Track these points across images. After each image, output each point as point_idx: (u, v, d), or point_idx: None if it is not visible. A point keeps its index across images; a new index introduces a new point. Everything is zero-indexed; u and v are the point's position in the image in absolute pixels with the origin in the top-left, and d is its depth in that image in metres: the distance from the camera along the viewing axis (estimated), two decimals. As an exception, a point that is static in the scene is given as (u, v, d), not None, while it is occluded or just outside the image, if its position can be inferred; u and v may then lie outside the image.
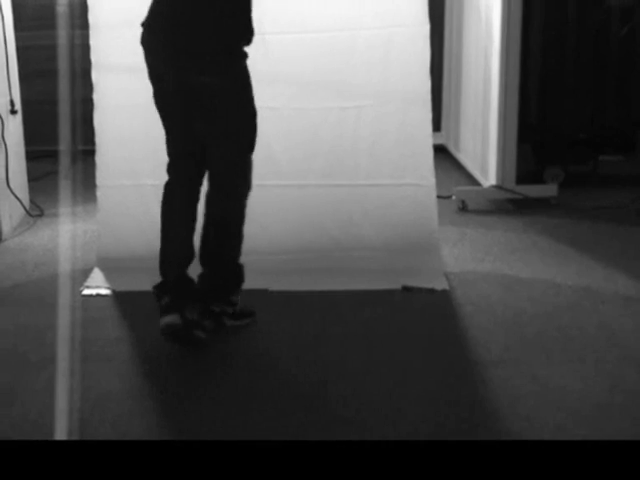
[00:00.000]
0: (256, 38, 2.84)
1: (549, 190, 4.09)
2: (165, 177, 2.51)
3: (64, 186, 4.12)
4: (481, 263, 3.27)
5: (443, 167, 4.53)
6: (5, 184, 3.68)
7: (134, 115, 3.06)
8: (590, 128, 4.26)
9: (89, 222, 3.70)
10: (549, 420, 2.09)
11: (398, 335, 2.63)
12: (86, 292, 3.00)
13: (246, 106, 2.40)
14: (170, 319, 2.40)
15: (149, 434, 2.08)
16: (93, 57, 3.11)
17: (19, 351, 2.54)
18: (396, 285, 2.98)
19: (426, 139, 3.13)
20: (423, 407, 2.17)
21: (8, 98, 3.74)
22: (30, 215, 3.94)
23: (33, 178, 4.19)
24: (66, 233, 3.75)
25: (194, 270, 2.54)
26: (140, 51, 2.42)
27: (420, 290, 2.95)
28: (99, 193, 3.21)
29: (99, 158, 3.19)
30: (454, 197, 4.07)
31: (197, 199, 2.49)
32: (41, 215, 3.97)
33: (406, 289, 2.97)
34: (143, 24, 2.36)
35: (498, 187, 4.02)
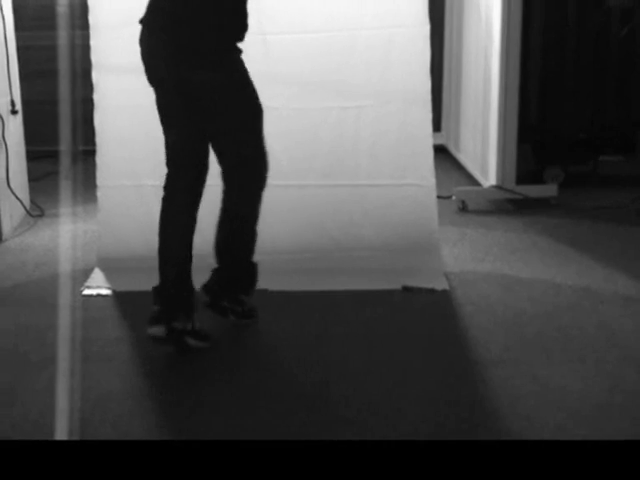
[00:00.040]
0: (256, 38, 2.84)
1: (549, 190, 4.09)
2: (163, 177, 2.50)
3: (65, 186, 4.12)
4: (481, 263, 3.28)
5: (443, 167, 4.54)
6: (6, 184, 3.68)
7: (135, 115, 3.06)
8: (590, 128, 4.26)
9: (89, 222, 3.71)
10: (549, 420, 2.10)
11: (398, 335, 2.63)
12: (86, 292, 3.00)
13: (249, 99, 2.39)
14: (154, 331, 2.42)
15: (149, 434, 2.08)
16: (93, 57, 3.11)
17: (20, 351, 2.54)
18: (396, 285, 2.98)
19: (426, 139, 3.14)
20: (423, 407, 2.17)
21: (9, 98, 3.75)
22: (31, 215, 3.94)
23: (34, 178, 4.19)
24: (66, 233, 3.75)
25: (196, 272, 2.54)
26: (139, 51, 2.41)
27: (420, 290, 2.95)
28: (99, 193, 3.21)
29: (99, 158, 3.19)
30: (454, 197, 4.07)
31: (197, 205, 2.47)
32: (41, 215, 3.97)
33: (406, 289, 2.97)
34: (141, 21, 2.36)
35: (498, 187, 4.02)
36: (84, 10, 3.10)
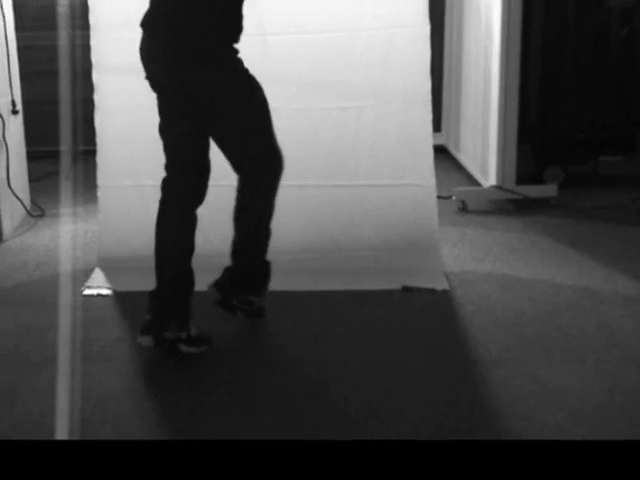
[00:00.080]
0: (256, 39, 2.85)
1: (549, 190, 4.09)
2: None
3: (65, 186, 4.13)
4: (481, 263, 3.28)
5: (443, 167, 4.54)
6: (6, 184, 3.68)
7: (135, 116, 3.06)
8: (590, 129, 4.26)
9: (90, 222, 3.71)
10: (549, 420, 2.10)
11: (398, 335, 2.63)
12: (87, 292, 3.00)
13: (251, 97, 2.38)
14: (142, 340, 2.43)
15: (150, 434, 2.08)
16: (94, 58, 3.11)
17: (20, 351, 2.54)
18: (396, 285, 2.98)
19: (426, 139, 3.14)
20: (423, 407, 2.18)
21: (9, 98, 3.75)
22: (31, 215, 3.94)
23: (34, 178, 4.20)
24: (67, 233, 3.75)
25: (198, 272, 2.53)
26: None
27: (420, 290, 2.96)
28: (100, 193, 3.22)
29: (100, 158, 3.19)
30: (454, 197, 4.07)
31: (196, 207, 2.46)
32: (42, 215, 3.97)
33: (406, 289, 2.97)
34: (142, 25, 2.36)
35: (498, 187, 4.02)
36: (84, 10, 3.11)
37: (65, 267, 3.27)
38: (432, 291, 2.95)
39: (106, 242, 3.22)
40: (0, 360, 2.49)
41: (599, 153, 4.40)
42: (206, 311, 2.60)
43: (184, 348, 2.44)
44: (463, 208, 4.02)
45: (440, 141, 4.85)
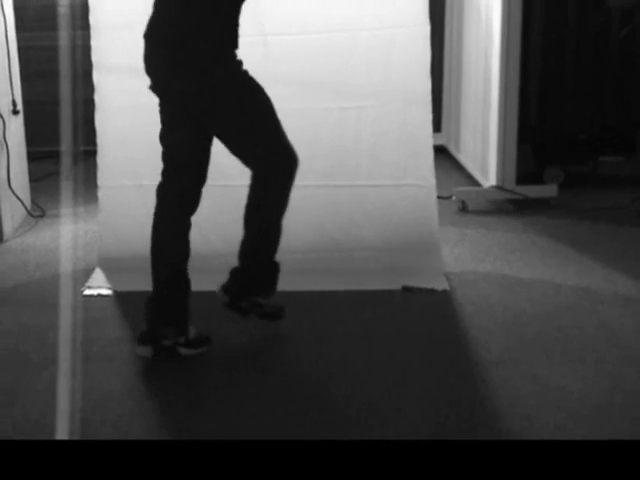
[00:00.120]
0: (257, 39, 2.85)
1: (549, 191, 4.09)
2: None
3: (65, 187, 4.13)
4: (481, 263, 3.28)
5: (443, 168, 4.54)
6: (7, 185, 3.68)
7: (135, 116, 3.06)
8: (590, 129, 4.26)
9: (90, 222, 3.71)
10: (549, 420, 2.10)
11: (398, 335, 2.63)
12: (87, 292, 3.00)
13: (253, 98, 2.37)
14: (140, 351, 2.44)
15: (150, 434, 2.08)
16: (94, 58, 3.11)
17: (21, 351, 2.55)
18: (396, 285, 2.99)
19: (426, 140, 3.14)
20: (423, 407, 2.18)
21: (10, 98, 3.75)
22: (32, 216, 3.94)
23: (35, 179, 4.20)
24: (67, 233, 3.75)
25: (199, 273, 2.53)
26: (140, 52, 2.41)
27: (420, 290, 2.96)
28: (100, 194, 3.22)
29: (100, 159, 3.19)
30: (454, 197, 4.07)
31: (193, 210, 2.45)
32: (42, 216, 3.98)
33: (406, 289, 2.97)
34: (145, 36, 2.36)
35: (498, 188, 4.03)
36: (85, 11, 3.11)
37: (65, 267, 3.28)
38: (432, 291, 2.96)
39: (106, 242, 3.22)
40: (0, 360, 2.49)
41: (599, 153, 4.40)
42: (206, 312, 2.60)
43: (183, 351, 2.45)
44: (463, 208, 4.02)
45: (440, 141, 4.85)
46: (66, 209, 3.99)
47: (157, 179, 2.49)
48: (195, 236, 2.50)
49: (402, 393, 2.26)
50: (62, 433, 2.01)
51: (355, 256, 3.16)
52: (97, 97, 3.14)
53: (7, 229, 3.67)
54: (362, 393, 2.26)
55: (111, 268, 3.15)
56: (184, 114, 2.37)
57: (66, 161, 3.57)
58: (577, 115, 4.22)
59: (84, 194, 3.65)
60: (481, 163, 4.30)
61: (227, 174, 3.01)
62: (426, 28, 3.05)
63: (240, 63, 2.36)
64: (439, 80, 5.01)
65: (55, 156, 4.15)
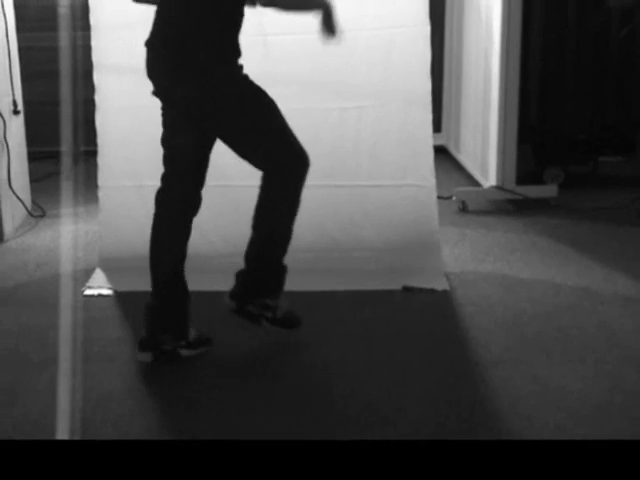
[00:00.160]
0: (257, 39, 2.84)
1: (549, 191, 4.10)
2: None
3: (66, 187, 4.13)
4: (481, 263, 3.28)
5: (443, 168, 4.54)
6: (7, 185, 3.69)
7: (136, 116, 3.07)
8: (590, 129, 4.26)
9: (91, 223, 3.71)
10: (549, 420, 2.10)
11: (398, 335, 2.63)
12: (88, 292, 3.01)
13: (254, 100, 2.35)
14: (141, 357, 2.44)
15: (150, 434, 2.09)
16: (95, 58, 3.12)
17: (21, 351, 2.55)
18: (396, 285, 2.99)
19: (427, 140, 3.14)
20: (423, 407, 2.18)
21: (11, 98, 3.75)
22: (32, 216, 3.94)
23: (35, 179, 4.20)
24: (68, 234, 3.76)
25: (200, 273, 2.53)
26: (140, 52, 2.42)
27: (420, 290, 2.96)
28: (101, 194, 3.22)
29: (101, 159, 3.20)
30: (454, 198, 4.07)
31: (193, 213, 2.44)
32: (43, 216, 3.98)
33: (406, 289, 2.97)
34: (146, 44, 2.36)
35: (498, 188, 4.03)
36: (85, 11, 3.11)
37: (66, 267, 3.28)
38: (432, 291, 2.96)
39: (107, 242, 3.22)
40: (1, 360, 2.50)
41: (599, 153, 4.40)
42: (205, 311, 2.60)
43: (184, 352, 2.45)
44: (463, 208, 4.03)
45: (440, 141, 4.85)
46: (66, 209, 3.99)
47: (157, 180, 2.49)
48: (196, 236, 2.50)
49: (402, 393, 2.26)
50: (62, 433, 2.01)
51: (355, 256, 3.17)
52: (97, 97, 3.15)
53: (7, 229, 3.67)
54: (362, 393, 2.26)
55: (111, 268, 3.15)
56: (186, 118, 2.36)
57: (66, 161, 3.57)
58: (577, 115, 4.22)
59: (84, 194, 3.65)
60: (481, 163, 4.30)
61: (227, 175, 3.02)
62: (426, 28, 3.05)
63: (241, 68, 2.36)
64: (439, 80, 5.01)
65: (55, 156, 4.14)
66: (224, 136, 2.38)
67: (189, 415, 2.17)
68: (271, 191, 2.40)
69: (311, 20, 3.08)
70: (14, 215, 3.76)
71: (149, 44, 2.34)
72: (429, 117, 3.12)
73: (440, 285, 3.00)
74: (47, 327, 2.63)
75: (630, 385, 2.28)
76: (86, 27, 3.11)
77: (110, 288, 3.03)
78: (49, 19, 4.14)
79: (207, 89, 2.28)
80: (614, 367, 2.38)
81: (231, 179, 3.09)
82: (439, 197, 3.36)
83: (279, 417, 2.15)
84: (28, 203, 3.99)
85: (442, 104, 5.15)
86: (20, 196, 3.82)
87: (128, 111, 3.10)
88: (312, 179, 3.21)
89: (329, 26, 2.29)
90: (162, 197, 2.45)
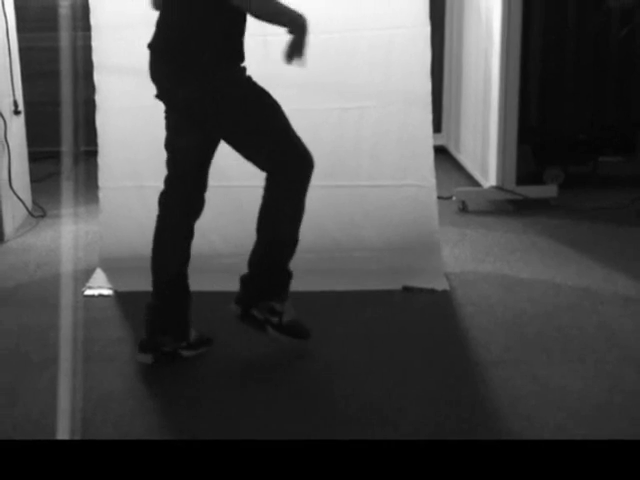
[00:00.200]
0: (257, 39, 2.84)
1: (549, 191, 4.10)
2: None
3: (66, 187, 4.13)
4: (481, 264, 3.28)
5: (443, 168, 4.54)
6: (8, 185, 3.69)
7: (136, 117, 3.07)
8: (590, 129, 4.26)
9: (91, 223, 3.72)
10: (549, 420, 2.10)
11: (399, 335, 2.64)
12: (88, 292, 3.01)
13: (257, 102, 2.34)
14: (141, 358, 2.44)
15: (151, 434, 2.09)
16: (95, 58, 3.12)
17: (21, 351, 2.55)
18: (397, 285, 2.99)
19: (427, 140, 3.14)
20: (423, 407, 2.18)
21: (11, 99, 3.76)
22: (32, 216, 3.95)
23: (35, 179, 4.20)
24: (68, 234, 3.76)
25: (202, 273, 2.52)
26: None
27: (421, 290, 2.96)
28: (101, 194, 3.22)
29: (101, 159, 3.20)
30: (454, 198, 4.08)
31: (196, 216, 2.44)
32: (43, 216, 3.98)
33: (407, 289, 2.98)
34: (149, 46, 2.36)
35: (498, 188, 4.03)
36: (86, 11, 3.11)
37: (66, 267, 3.28)
38: (432, 291, 2.96)
39: (107, 242, 3.23)
40: (1, 360, 2.50)
41: (599, 154, 4.41)
42: (206, 312, 2.61)
43: (184, 353, 2.45)
44: (463, 208, 4.03)
45: (440, 142, 4.85)
46: (67, 209, 4.00)
47: (158, 180, 2.49)
48: (197, 237, 2.50)
49: (402, 393, 2.26)
50: (63, 433, 2.01)
51: (355, 256, 3.17)
52: (98, 98, 3.15)
53: (8, 229, 3.67)
54: (362, 393, 2.26)
55: (112, 268, 3.16)
56: (188, 120, 2.36)
57: (67, 161, 3.57)
58: (577, 115, 4.22)
59: (85, 194, 3.65)
60: (481, 163, 4.31)
61: (228, 176, 3.02)
62: (426, 29, 3.05)
63: (244, 70, 2.36)
64: (439, 81, 5.01)
65: (56, 156, 4.14)
66: (228, 138, 2.38)
67: (189, 415, 2.17)
68: (275, 192, 2.37)
69: (312, 20, 3.09)
70: (15, 215, 3.77)
71: (152, 46, 2.34)
72: (429, 117, 3.12)
73: (440, 285, 3.01)
74: (47, 327, 2.63)
75: (630, 385, 2.29)
76: (87, 27, 3.12)
77: (110, 288, 3.03)
78: (50, 19, 4.14)
79: (209, 91, 2.28)
80: (614, 367, 2.38)
81: (232, 180, 3.09)
82: (439, 197, 3.36)
83: (279, 417, 2.15)
84: (29, 203, 4.00)
85: (442, 104, 5.15)
86: (21, 196, 3.82)
87: (129, 111, 3.10)
88: (312, 179, 3.22)
89: (298, 49, 2.22)
90: (165, 199, 2.45)
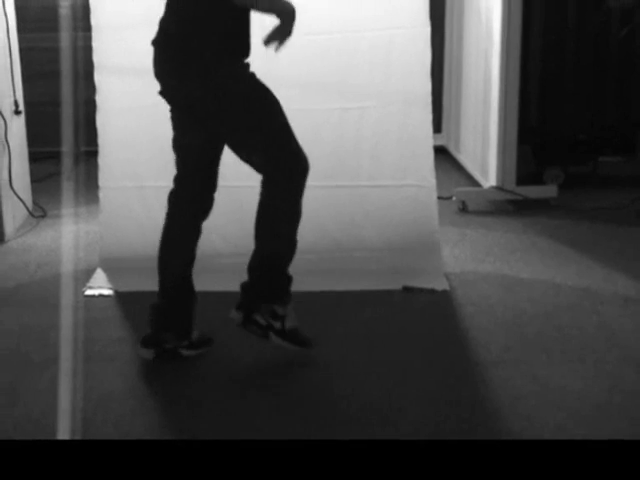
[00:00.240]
0: (258, 40, 2.84)
1: (549, 191, 4.10)
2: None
3: (67, 187, 4.14)
4: (481, 264, 3.29)
5: (444, 168, 4.55)
6: (8, 185, 3.69)
7: (137, 117, 3.07)
8: (590, 129, 4.27)
9: (91, 223, 3.72)
10: (549, 420, 2.11)
11: (399, 335, 2.64)
12: (89, 292, 3.01)
13: (260, 99, 2.34)
14: (143, 353, 2.45)
15: (151, 434, 2.09)
16: (95, 59, 3.12)
17: (22, 351, 2.55)
18: (397, 285, 2.99)
19: (427, 140, 3.15)
20: (423, 407, 2.18)
21: (12, 99, 3.76)
22: (33, 216, 3.95)
23: (36, 179, 4.21)
24: (69, 234, 3.76)
25: (206, 273, 2.53)
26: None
27: (421, 290, 2.96)
28: (101, 194, 3.23)
29: (101, 159, 3.20)
30: (454, 198, 4.08)
31: (204, 216, 2.44)
32: (44, 216, 3.98)
33: (407, 289, 2.98)
34: (153, 42, 2.36)
35: (498, 188, 4.03)
36: (86, 12, 3.11)
37: (67, 267, 3.28)
38: (432, 291, 2.96)
39: (107, 243, 3.23)
40: (2, 360, 2.50)
41: (599, 154, 4.41)
42: (206, 311, 2.61)
43: (185, 352, 2.46)
44: (463, 209, 4.03)
45: (440, 142, 4.85)
46: (67, 209, 4.00)
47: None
48: (201, 238, 2.50)
49: (402, 393, 2.26)
50: (63, 433, 2.02)
51: (356, 256, 3.17)
52: (98, 98, 3.15)
53: (9, 229, 3.67)
54: (362, 393, 2.26)
55: (112, 268, 3.16)
56: (191, 117, 2.35)
57: (67, 162, 3.58)
58: (577, 116, 4.22)
59: (85, 195, 3.66)
60: (481, 164, 4.31)
61: (227, 176, 3.01)
62: (426, 29, 3.05)
63: (247, 66, 2.36)
64: (439, 81, 5.01)
65: (56, 157, 4.16)
66: (227, 136, 2.37)
67: (190, 415, 2.18)
68: (270, 195, 2.36)
69: (312, 21, 3.10)
70: (15, 215, 3.77)
71: (155, 43, 2.34)
72: (429, 117, 3.12)
73: (440, 285, 3.01)
74: (48, 327, 2.64)
75: (630, 385, 2.29)
76: (87, 28, 3.12)
77: (111, 288, 3.04)
78: (50, 20, 4.15)
79: (211, 88, 2.27)
80: (614, 367, 2.38)
81: (231, 180, 3.08)
82: (439, 197, 3.36)
83: (279, 417, 2.15)
84: (29, 203, 4.00)
85: (442, 105, 5.16)
86: (21, 196, 3.82)
87: (129, 112, 3.11)
88: (313, 179, 3.21)
89: (282, 35, 2.25)
90: (174, 198, 2.44)
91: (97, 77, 3.13)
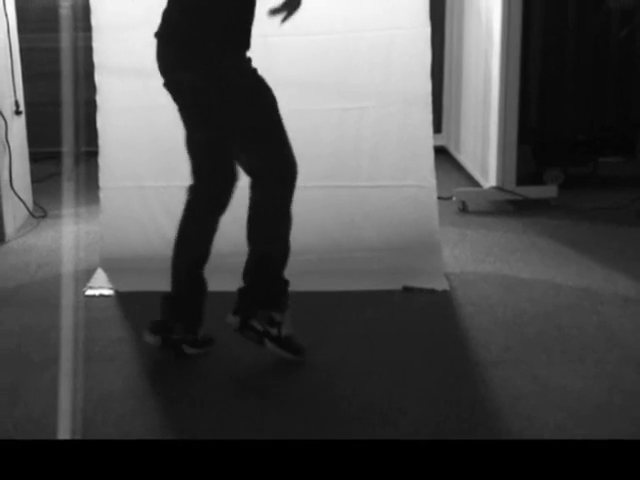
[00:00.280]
0: (257, 40, 2.84)
1: (549, 191, 4.10)
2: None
3: (67, 187, 4.14)
4: (481, 264, 3.29)
5: (444, 168, 4.55)
6: (9, 185, 3.69)
7: (137, 117, 3.08)
8: (590, 130, 4.27)
9: (92, 223, 3.72)
10: (549, 420, 2.11)
11: (399, 335, 2.64)
12: (89, 292, 3.01)
13: (260, 97, 2.34)
14: (149, 339, 2.45)
15: (151, 434, 2.09)
16: (96, 59, 3.12)
17: (22, 351, 2.56)
18: (397, 286, 2.99)
19: (427, 140, 3.15)
20: (423, 407, 2.19)
21: (12, 99, 3.76)
22: (33, 216, 3.95)
23: (36, 179, 4.21)
24: (69, 234, 3.76)
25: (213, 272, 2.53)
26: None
27: (421, 291, 2.97)
28: (102, 195, 3.23)
29: (102, 160, 3.20)
30: (454, 198, 4.08)
31: (220, 213, 2.43)
32: (44, 216, 3.99)
33: (407, 290, 2.98)
34: (156, 34, 2.36)
35: (498, 188, 4.03)
36: (86, 12, 3.12)
37: (67, 268, 3.29)
38: (432, 291, 2.96)
39: (108, 243, 3.23)
40: (2, 360, 2.50)
41: (599, 154, 4.41)
42: (206, 311, 2.61)
43: (187, 349, 2.46)
44: (463, 209, 4.03)
45: (440, 142, 4.85)
46: (68, 210, 4.00)
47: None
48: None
49: (403, 393, 2.26)
50: (64, 433, 2.02)
51: (356, 257, 3.17)
52: (99, 98, 3.15)
53: (9, 230, 3.68)
54: (362, 393, 2.27)
55: (113, 268, 3.16)
56: (197, 111, 2.33)
57: (68, 162, 3.58)
58: (577, 116, 4.22)
59: (86, 195, 3.66)
60: (481, 164, 4.31)
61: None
62: (426, 29, 3.05)
63: (250, 60, 2.36)
64: (439, 81, 5.01)
65: (57, 157, 4.17)
66: (229, 129, 2.35)
67: (190, 415, 2.18)
68: (262, 196, 2.36)
69: (311, 21, 3.10)
70: (15, 216, 3.77)
71: (158, 35, 2.34)
72: (429, 118, 3.13)
73: (440, 285, 3.01)
74: (48, 327, 2.64)
75: (630, 385, 2.29)
76: (87, 28, 3.12)
77: (111, 288, 3.04)
78: (51, 20, 4.16)
79: (214, 78, 2.27)
80: (614, 367, 2.39)
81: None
82: (439, 197, 3.36)
83: (279, 417, 2.15)
84: (30, 204, 4.00)
85: (442, 105, 5.16)
86: (22, 197, 3.82)
87: (129, 112, 3.11)
88: (313, 180, 3.24)
89: (291, 7, 2.29)
90: (193, 192, 2.43)
91: (97, 77, 3.13)
